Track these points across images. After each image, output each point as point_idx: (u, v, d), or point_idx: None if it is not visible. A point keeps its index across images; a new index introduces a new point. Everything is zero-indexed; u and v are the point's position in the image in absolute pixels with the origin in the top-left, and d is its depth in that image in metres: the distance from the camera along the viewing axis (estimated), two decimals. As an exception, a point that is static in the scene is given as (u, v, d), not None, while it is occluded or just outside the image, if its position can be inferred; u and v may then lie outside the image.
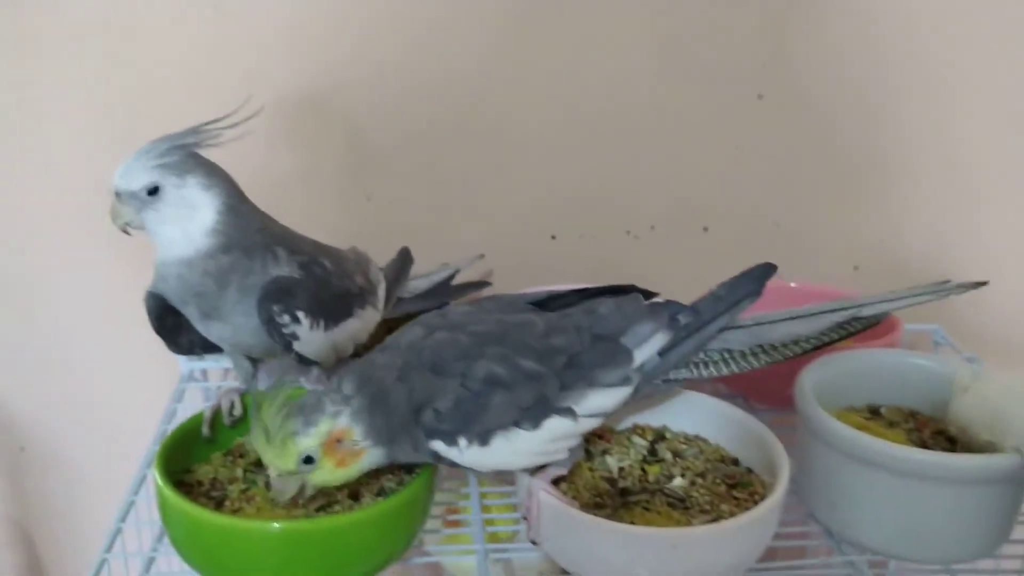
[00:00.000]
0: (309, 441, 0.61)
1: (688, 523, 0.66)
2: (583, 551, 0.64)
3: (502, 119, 1.08)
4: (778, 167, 1.12)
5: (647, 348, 0.67)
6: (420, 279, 0.94)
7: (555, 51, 1.06)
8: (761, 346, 0.69)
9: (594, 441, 0.76)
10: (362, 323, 0.76)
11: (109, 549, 0.71)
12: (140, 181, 0.65)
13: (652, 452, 0.75)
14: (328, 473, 0.63)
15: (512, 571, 0.86)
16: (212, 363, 0.98)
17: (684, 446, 0.76)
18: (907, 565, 0.74)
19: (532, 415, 0.64)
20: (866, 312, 0.68)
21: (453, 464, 0.64)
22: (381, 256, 0.92)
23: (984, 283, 0.71)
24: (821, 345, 0.69)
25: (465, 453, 0.63)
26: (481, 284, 1.00)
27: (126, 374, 1.13)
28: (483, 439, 0.63)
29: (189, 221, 0.66)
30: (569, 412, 0.65)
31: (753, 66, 1.08)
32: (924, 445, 0.74)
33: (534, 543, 0.67)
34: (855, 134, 1.10)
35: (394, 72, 1.05)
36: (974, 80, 1.08)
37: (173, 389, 0.95)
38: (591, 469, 0.73)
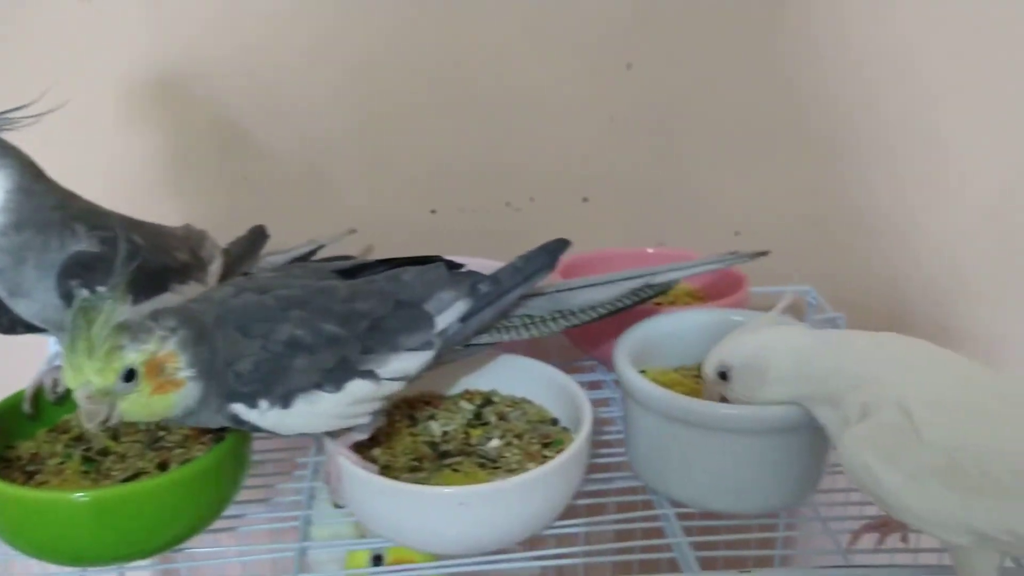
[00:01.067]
0: (135, 356, 0.59)
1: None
2: (379, 513, 0.65)
3: (375, 95, 1.09)
4: (654, 135, 1.13)
5: (449, 314, 0.69)
6: (278, 255, 0.94)
7: (426, 24, 1.06)
8: (560, 311, 0.74)
9: (421, 407, 0.77)
10: (183, 299, 0.76)
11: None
12: None
13: (478, 416, 0.76)
14: (143, 399, 0.60)
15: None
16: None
17: (509, 408, 0.77)
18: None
19: (334, 377, 0.65)
20: (657, 280, 0.75)
21: (254, 428, 0.65)
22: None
23: (765, 252, 0.81)
24: (616, 310, 0.75)
25: (266, 415, 0.64)
26: (345, 259, 1.01)
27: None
28: (284, 401, 0.64)
29: None
30: (371, 375, 0.66)
31: (621, 35, 1.08)
32: (746, 400, 0.75)
33: (338, 506, 0.68)
34: (730, 100, 1.11)
35: (262, 47, 1.05)
36: (850, 36, 1.08)
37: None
38: (413, 434, 0.74)
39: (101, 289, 0.67)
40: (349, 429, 0.68)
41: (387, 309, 0.68)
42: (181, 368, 0.61)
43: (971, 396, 0.59)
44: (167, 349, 0.61)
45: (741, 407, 0.67)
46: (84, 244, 0.69)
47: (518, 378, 0.78)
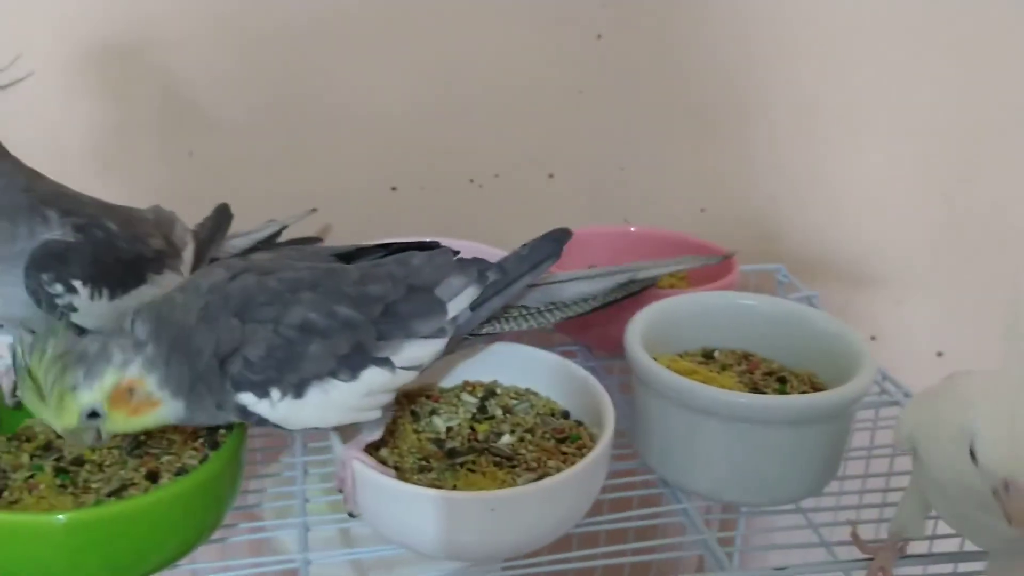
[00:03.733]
0: (91, 396, 0.55)
1: (513, 482, 0.64)
2: (402, 521, 0.60)
3: (334, 68, 1.03)
4: (621, 110, 1.10)
5: (459, 301, 0.66)
6: (240, 238, 0.87)
7: (388, -5, 1.01)
8: (554, 303, 0.73)
9: (421, 402, 0.73)
10: (160, 289, 0.69)
11: None
12: None
13: (482, 409, 0.72)
14: (121, 423, 0.57)
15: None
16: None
17: (514, 401, 0.73)
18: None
19: (350, 364, 0.60)
20: (640, 275, 0.76)
21: (261, 422, 0.60)
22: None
23: (733, 254, 0.88)
24: (606, 304, 0.75)
25: (277, 406, 0.59)
26: (311, 240, 0.95)
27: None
28: (298, 390, 0.59)
29: None
30: (387, 363, 0.62)
31: (591, 5, 1.04)
32: (755, 387, 0.73)
33: (352, 515, 0.63)
34: (699, 75, 1.08)
35: (214, 18, 0.98)
36: (822, 18, 1.07)
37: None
38: (417, 431, 0.70)
39: (76, 282, 0.61)
40: (359, 429, 0.64)
41: (400, 293, 0.64)
42: (152, 391, 0.57)
43: None
44: (130, 375, 0.57)
45: (768, 397, 0.65)
46: (58, 232, 0.61)
47: (520, 368, 0.74)
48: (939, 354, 1.24)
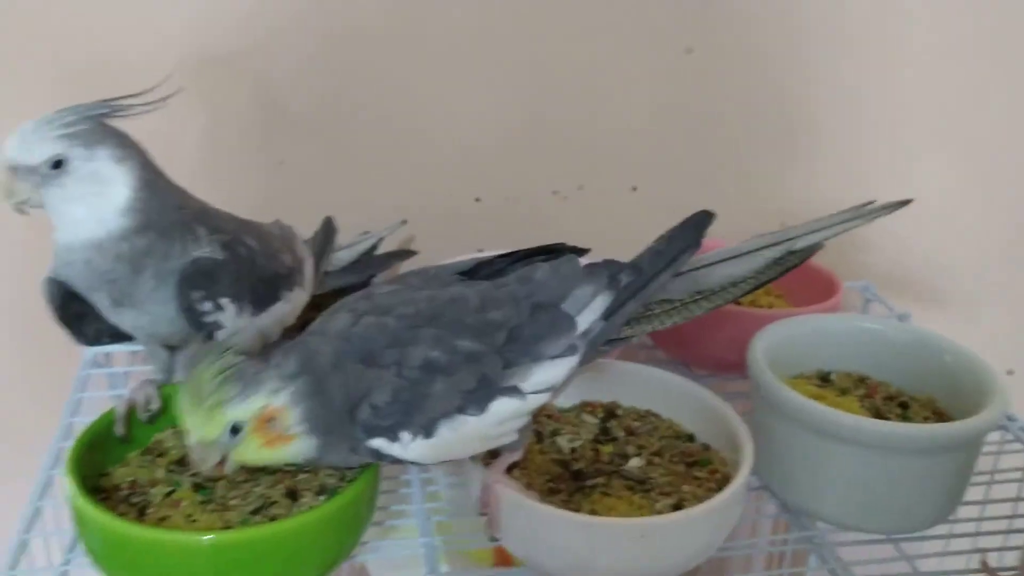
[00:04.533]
0: (240, 412, 0.56)
1: (650, 507, 0.63)
2: (544, 543, 0.60)
3: (420, 79, 1.02)
4: (706, 122, 1.09)
5: (589, 313, 0.63)
6: (343, 251, 0.87)
7: (474, 7, 1.00)
8: (700, 292, 0.66)
9: (543, 421, 0.73)
10: (291, 306, 0.70)
11: (14, 565, 0.64)
12: (41, 153, 0.57)
13: (604, 431, 0.72)
14: (253, 452, 0.57)
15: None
16: (117, 346, 0.90)
17: (637, 423, 0.73)
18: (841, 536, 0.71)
19: (476, 399, 0.59)
20: (799, 244, 0.66)
21: (396, 461, 0.59)
22: (295, 225, 0.86)
23: (909, 201, 0.70)
24: (760, 284, 0.67)
25: (409, 448, 0.58)
26: (407, 253, 0.95)
27: (23, 355, 1.03)
28: (427, 431, 0.58)
29: (99, 198, 0.58)
30: (515, 391, 0.60)
31: (683, 18, 1.04)
32: (878, 411, 0.73)
33: (494, 539, 0.63)
34: (786, 87, 1.08)
35: (305, 29, 0.98)
36: (917, 36, 1.06)
37: (75, 376, 0.87)
38: (542, 451, 0.70)
39: (224, 300, 0.61)
40: (497, 450, 0.63)
41: (523, 315, 0.61)
42: (292, 424, 0.57)
43: None
44: (277, 403, 0.56)
45: (912, 425, 0.64)
46: (207, 249, 0.61)
47: (640, 388, 0.74)
48: (1010, 372, 1.23)
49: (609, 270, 0.64)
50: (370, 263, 0.89)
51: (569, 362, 0.62)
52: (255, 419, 0.56)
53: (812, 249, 0.67)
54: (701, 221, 0.65)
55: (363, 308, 0.61)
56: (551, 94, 1.05)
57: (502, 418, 0.60)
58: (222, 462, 0.58)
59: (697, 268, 0.66)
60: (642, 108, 1.08)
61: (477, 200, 1.09)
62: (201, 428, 0.56)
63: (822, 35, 1.06)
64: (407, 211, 1.04)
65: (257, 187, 1.03)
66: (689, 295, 0.66)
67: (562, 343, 0.62)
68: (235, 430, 0.56)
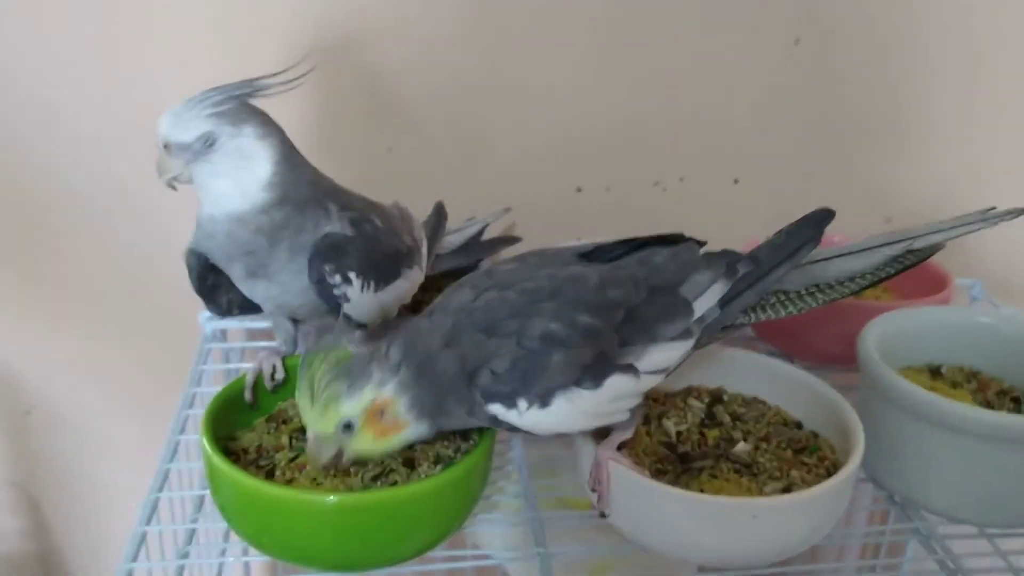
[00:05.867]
0: (351, 407, 0.58)
1: (759, 490, 0.64)
2: (655, 521, 0.61)
3: (525, 69, 1.04)
4: (812, 115, 1.09)
5: (706, 299, 0.64)
6: (452, 235, 0.90)
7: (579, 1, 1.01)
8: (817, 285, 0.67)
9: (649, 404, 0.74)
10: (409, 284, 0.72)
11: (148, 521, 0.68)
12: (194, 131, 0.61)
13: (710, 415, 0.73)
14: (367, 443, 0.60)
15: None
16: (234, 322, 0.94)
17: (743, 409, 0.73)
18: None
19: (593, 373, 0.60)
20: (919, 244, 0.66)
21: (512, 428, 0.61)
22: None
23: None
24: (877, 281, 0.67)
25: (524, 416, 0.60)
26: (511, 239, 0.97)
27: (141, 332, 1.08)
28: (543, 400, 0.60)
29: (244, 173, 0.62)
30: (631, 369, 0.62)
31: (792, 7, 1.03)
32: (990, 406, 0.72)
33: (603, 515, 0.64)
34: (897, 82, 1.07)
35: (416, 22, 1.00)
36: (1019, 26, 1.04)
37: (196, 349, 0.91)
38: (649, 433, 0.71)
39: (352, 274, 0.64)
40: (609, 428, 0.65)
41: (641, 296, 0.63)
42: (401, 412, 0.59)
43: None
44: (385, 396, 0.59)
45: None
46: (337, 225, 0.64)
47: (747, 375, 0.75)
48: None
49: (727, 259, 0.66)
50: (477, 247, 0.91)
51: (684, 345, 0.64)
52: (365, 413, 0.59)
53: (932, 249, 0.67)
54: (822, 218, 0.66)
55: (484, 284, 0.63)
56: (654, 85, 1.06)
57: (616, 395, 0.62)
58: (340, 455, 0.60)
59: (815, 262, 0.67)
60: (747, 100, 1.07)
61: (578, 190, 1.10)
62: (317, 423, 0.59)
63: (939, 29, 1.04)
64: (510, 199, 1.06)
65: (366, 172, 1.06)
66: (805, 288, 0.68)
67: (678, 326, 0.63)
68: (348, 426, 0.59)
